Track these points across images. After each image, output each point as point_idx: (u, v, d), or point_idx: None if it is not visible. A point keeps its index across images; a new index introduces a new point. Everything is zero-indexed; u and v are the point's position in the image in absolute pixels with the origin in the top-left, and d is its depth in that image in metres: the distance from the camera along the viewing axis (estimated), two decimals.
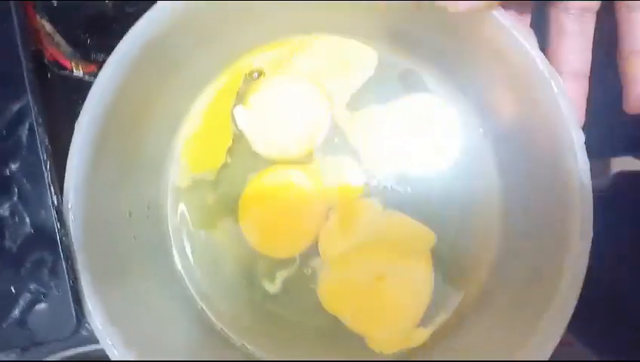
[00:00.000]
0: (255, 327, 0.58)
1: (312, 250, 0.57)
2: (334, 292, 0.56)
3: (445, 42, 0.53)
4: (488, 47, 0.48)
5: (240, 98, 0.58)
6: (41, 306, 0.44)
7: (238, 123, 0.57)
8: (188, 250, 0.58)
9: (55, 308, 0.44)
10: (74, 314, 0.44)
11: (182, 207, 0.59)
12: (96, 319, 0.45)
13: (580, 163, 0.44)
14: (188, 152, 0.59)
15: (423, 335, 0.56)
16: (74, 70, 0.56)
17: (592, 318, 0.57)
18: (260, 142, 0.57)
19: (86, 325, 0.46)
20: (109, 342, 0.45)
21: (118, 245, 0.51)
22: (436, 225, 0.56)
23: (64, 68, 0.55)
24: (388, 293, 0.55)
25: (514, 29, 0.45)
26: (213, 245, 0.58)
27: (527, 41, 0.45)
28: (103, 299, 0.46)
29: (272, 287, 0.57)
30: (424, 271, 0.55)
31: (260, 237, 0.58)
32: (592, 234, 0.44)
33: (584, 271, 0.44)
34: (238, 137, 0.58)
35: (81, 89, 0.46)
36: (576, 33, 0.45)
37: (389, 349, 0.56)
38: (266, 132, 0.57)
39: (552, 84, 0.44)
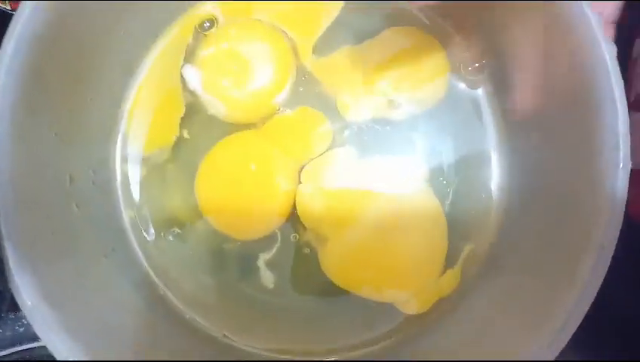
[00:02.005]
0: (243, 321, 0.50)
1: (294, 221, 0.49)
2: (342, 264, 0.48)
3: None
4: None
5: (189, 55, 0.51)
6: None
7: (188, 84, 0.50)
8: (145, 228, 0.50)
9: None
10: None
11: (135, 184, 0.51)
12: (25, 295, 0.36)
13: (613, 79, 0.37)
14: (135, 128, 0.51)
15: (453, 277, 0.49)
16: None
17: None
18: (217, 104, 0.50)
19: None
20: (42, 323, 0.37)
21: (57, 212, 0.42)
22: (427, 164, 0.50)
23: None
24: (400, 245, 0.47)
25: None
26: (175, 224, 0.50)
27: None
28: (35, 272, 0.37)
29: (258, 274, 0.49)
30: (430, 206, 0.48)
31: (226, 220, 0.50)
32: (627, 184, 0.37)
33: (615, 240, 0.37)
34: (192, 104, 0.51)
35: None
36: None
37: (424, 305, 0.49)
38: (222, 91, 0.49)
39: None
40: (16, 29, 0.37)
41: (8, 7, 0.49)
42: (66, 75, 0.43)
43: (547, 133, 0.44)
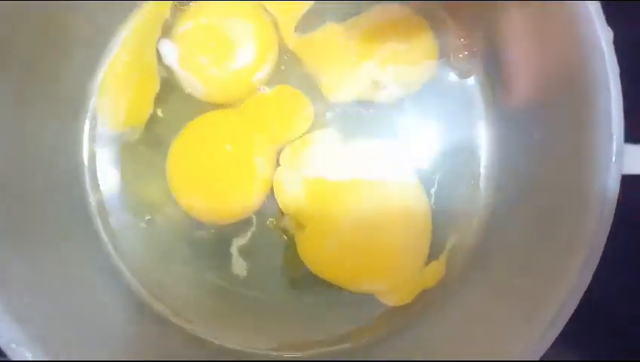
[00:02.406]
0: (215, 312, 0.47)
1: (271, 205, 0.47)
2: (320, 252, 0.46)
3: None
4: None
5: (167, 30, 0.48)
6: None
7: (164, 59, 0.47)
8: (112, 212, 0.48)
9: None
10: None
11: (104, 164, 0.48)
12: None
13: (608, 65, 0.35)
14: (106, 103, 0.48)
15: (438, 269, 0.47)
16: None
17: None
18: (193, 82, 0.47)
19: None
20: None
21: (18, 193, 0.40)
22: (412, 150, 0.48)
23: None
24: (382, 234, 0.45)
25: None
26: (146, 209, 0.48)
27: None
28: None
29: (231, 263, 0.47)
30: (414, 193, 0.46)
31: (199, 204, 0.47)
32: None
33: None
34: (168, 81, 0.48)
35: None
36: None
37: (407, 297, 0.47)
38: (200, 68, 0.47)
39: None
40: None
41: None
42: (33, 44, 0.41)
43: (539, 123, 0.43)
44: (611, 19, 0.36)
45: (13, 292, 0.35)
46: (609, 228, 0.35)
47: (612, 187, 0.35)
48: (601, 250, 0.35)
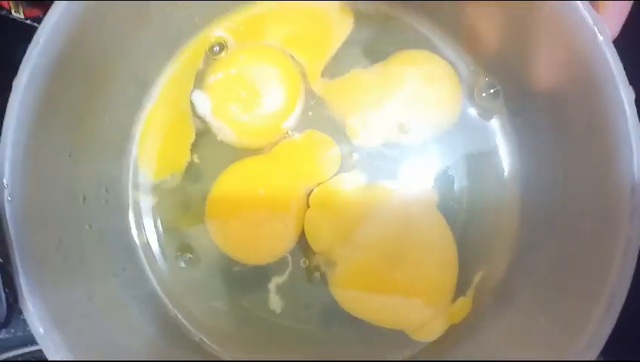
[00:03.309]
0: (254, 346, 0.50)
1: (304, 246, 0.49)
2: (350, 290, 0.47)
3: None
4: None
5: (199, 80, 0.51)
6: None
7: (198, 110, 0.50)
8: (156, 251, 0.51)
9: None
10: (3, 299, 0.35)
11: (146, 209, 0.51)
12: (37, 322, 0.37)
13: (630, 125, 0.36)
14: (146, 153, 0.51)
15: (465, 304, 0.48)
16: (12, 11, 0.47)
17: None
18: (226, 130, 0.50)
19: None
20: (52, 349, 0.37)
21: (69, 234, 0.42)
22: (437, 189, 0.49)
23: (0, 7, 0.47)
24: (410, 271, 0.46)
25: None
26: (187, 249, 0.50)
27: None
28: (47, 297, 0.37)
29: (269, 299, 0.49)
30: (440, 231, 0.47)
31: (236, 246, 0.49)
32: None
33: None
34: (202, 130, 0.51)
35: (22, 35, 0.38)
36: None
37: (435, 333, 0.48)
38: (231, 117, 0.49)
39: (597, 31, 0.36)
40: (30, 58, 0.37)
41: (22, 16, 0.48)
42: (79, 97, 0.43)
43: (564, 167, 0.43)
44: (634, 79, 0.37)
45: (70, 327, 0.38)
46: (632, 276, 0.35)
47: (635, 239, 0.35)
48: (624, 296, 0.35)
